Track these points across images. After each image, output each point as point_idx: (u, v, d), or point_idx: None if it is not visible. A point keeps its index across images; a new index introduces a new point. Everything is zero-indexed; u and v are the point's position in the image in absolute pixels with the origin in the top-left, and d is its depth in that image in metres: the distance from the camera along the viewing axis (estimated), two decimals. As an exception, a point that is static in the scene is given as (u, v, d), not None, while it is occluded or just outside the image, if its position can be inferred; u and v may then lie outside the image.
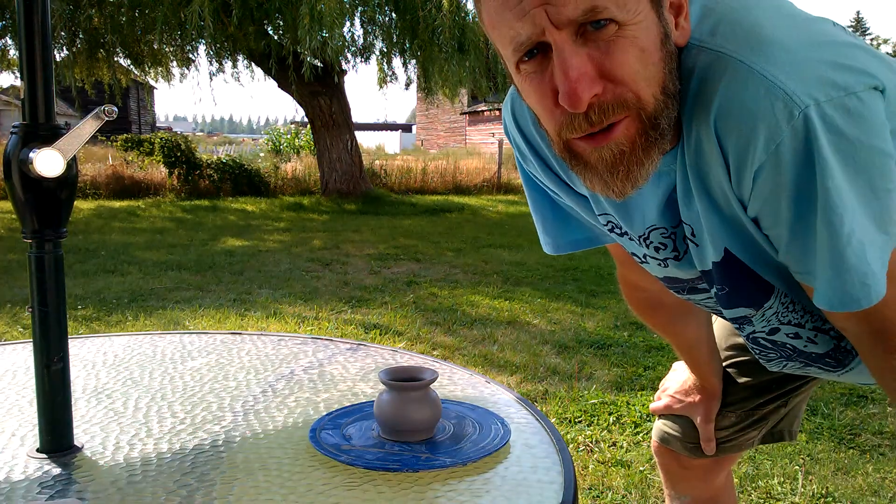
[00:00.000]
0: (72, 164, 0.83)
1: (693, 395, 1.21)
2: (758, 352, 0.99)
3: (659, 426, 1.28)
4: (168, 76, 11.56)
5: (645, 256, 0.92)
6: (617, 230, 0.91)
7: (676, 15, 0.71)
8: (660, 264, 0.91)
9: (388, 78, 10.12)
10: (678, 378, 1.25)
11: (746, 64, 0.67)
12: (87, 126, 0.81)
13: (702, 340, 1.18)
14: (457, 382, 1.14)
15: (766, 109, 0.65)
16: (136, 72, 12.15)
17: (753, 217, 0.74)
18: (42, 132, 0.83)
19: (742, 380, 1.18)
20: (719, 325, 1.23)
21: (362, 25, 9.85)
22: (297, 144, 19.01)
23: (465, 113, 27.95)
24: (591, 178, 0.73)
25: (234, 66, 10.16)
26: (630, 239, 0.91)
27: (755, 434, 1.21)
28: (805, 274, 0.74)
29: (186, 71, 11.18)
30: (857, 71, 0.67)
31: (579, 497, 1.01)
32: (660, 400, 1.27)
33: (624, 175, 0.71)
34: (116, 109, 0.82)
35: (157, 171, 11.89)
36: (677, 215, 0.82)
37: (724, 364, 1.20)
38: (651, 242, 0.88)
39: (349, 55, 9.97)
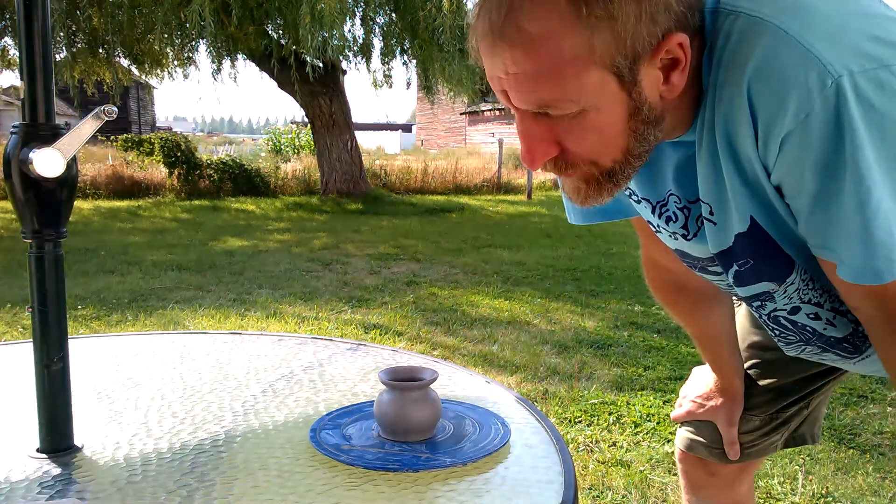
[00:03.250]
0: (72, 164, 0.83)
1: (715, 399, 1.19)
2: (777, 332, 0.98)
3: (683, 434, 1.25)
4: (171, 75, 11.56)
5: (658, 227, 0.92)
6: (634, 197, 0.91)
7: (670, 69, 0.71)
8: (671, 236, 0.91)
9: (386, 80, 10.11)
10: (698, 383, 1.24)
11: (783, 29, 0.67)
12: (87, 126, 0.81)
13: (724, 333, 1.16)
14: (457, 382, 1.14)
15: (800, 77, 0.65)
16: (136, 72, 12.15)
17: (776, 185, 0.74)
18: (42, 132, 0.83)
19: (764, 382, 1.17)
20: (739, 324, 1.22)
21: (362, 25, 9.85)
22: (297, 144, 19.02)
23: (465, 113, 27.95)
24: (561, 188, 0.81)
25: (234, 66, 10.15)
26: (645, 207, 0.91)
27: (778, 438, 1.20)
28: (823, 248, 0.74)
29: (187, 71, 11.18)
30: (893, 45, 0.67)
31: (579, 497, 1.01)
32: (681, 407, 1.25)
33: (583, 199, 0.78)
34: (116, 109, 0.82)
35: (157, 171, 11.89)
36: (694, 188, 0.81)
37: (745, 363, 1.19)
38: (667, 210, 0.88)
39: (349, 55, 9.97)
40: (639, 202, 0.92)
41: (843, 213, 0.69)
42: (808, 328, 0.93)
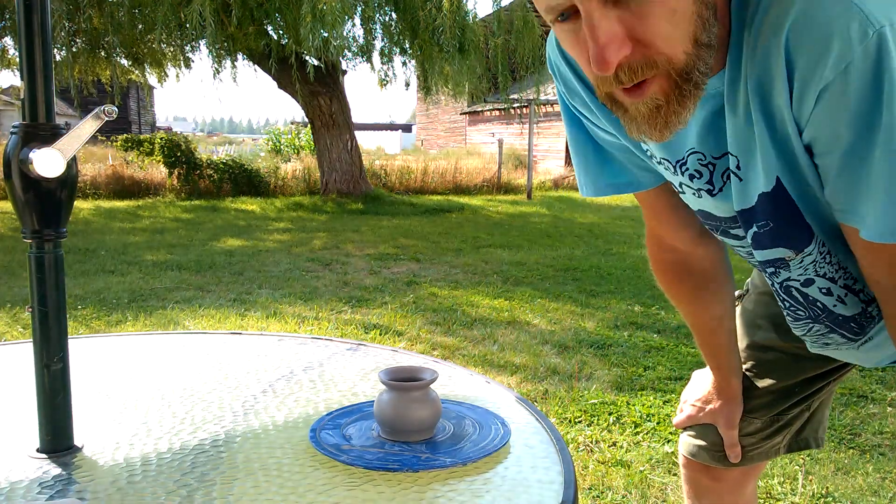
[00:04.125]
0: (72, 164, 0.83)
1: (714, 402, 1.19)
2: (787, 305, 0.97)
3: (685, 440, 1.24)
4: (174, 75, 11.57)
5: (681, 185, 0.90)
6: (655, 158, 0.90)
7: None
8: (694, 194, 0.89)
9: (382, 82, 10.12)
10: (697, 387, 1.23)
11: None
12: (87, 126, 0.81)
13: (725, 323, 1.15)
14: (457, 382, 1.14)
15: (842, 28, 0.64)
16: (136, 72, 12.15)
17: (808, 143, 0.73)
18: (42, 132, 0.83)
19: (763, 383, 1.16)
20: (737, 323, 1.21)
21: (363, 25, 9.85)
22: (297, 144, 19.02)
23: (465, 113, 27.96)
24: (629, 125, 0.74)
25: (234, 66, 10.15)
26: (665, 168, 0.89)
27: (780, 440, 1.19)
28: (849, 212, 0.73)
29: (187, 71, 11.19)
30: None
31: (579, 497, 1.01)
32: (682, 412, 1.25)
33: (662, 125, 0.72)
34: (116, 109, 0.82)
35: (157, 171, 11.89)
36: (720, 143, 0.80)
37: (744, 364, 1.18)
38: (687, 169, 0.86)
39: (349, 55, 9.97)
40: (660, 163, 0.90)
41: (873, 169, 0.68)
42: (818, 303, 0.92)
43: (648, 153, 0.91)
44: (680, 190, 0.93)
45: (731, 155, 0.80)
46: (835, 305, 0.91)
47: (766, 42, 0.69)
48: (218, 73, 9.90)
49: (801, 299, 0.94)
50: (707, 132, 0.81)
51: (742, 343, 1.20)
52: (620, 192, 1.00)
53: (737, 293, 1.22)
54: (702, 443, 1.21)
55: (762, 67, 0.71)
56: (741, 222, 0.87)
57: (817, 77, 0.67)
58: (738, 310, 1.22)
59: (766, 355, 1.16)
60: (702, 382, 1.23)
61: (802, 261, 0.87)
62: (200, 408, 1.02)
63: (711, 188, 0.86)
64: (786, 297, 0.96)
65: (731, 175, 0.81)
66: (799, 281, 0.91)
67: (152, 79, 12.26)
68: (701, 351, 1.21)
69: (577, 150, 0.99)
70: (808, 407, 1.18)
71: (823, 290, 0.90)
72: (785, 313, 1.01)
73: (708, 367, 1.22)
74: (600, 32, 0.66)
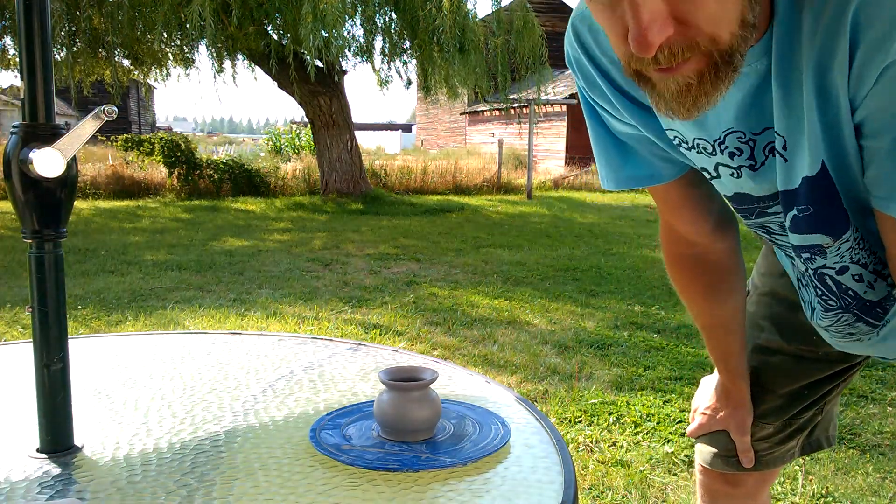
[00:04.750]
0: (72, 164, 0.83)
1: (724, 409, 1.18)
2: (819, 293, 0.95)
3: (700, 449, 1.24)
4: (176, 73, 11.58)
5: (717, 168, 0.87)
6: (685, 144, 0.87)
7: None
8: (733, 174, 0.86)
9: (382, 83, 10.12)
10: (706, 393, 1.23)
11: None
12: (87, 126, 0.81)
13: (737, 321, 1.14)
14: (457, 382, 1.14)
15: None
16: (136, 72, 12.16)
17: (858, 123, 0.71)
18: (42, 132, 0.83)
19: (772, 387, 1.16)
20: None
21: (363, 25, 9.85)
22: (297, 144, 19.03)
23: (465, 113, 27.95)
24: (656, 102, 0.71)
25: (234, 66, 10.16)
26: (699, 152, 0.87)
27: (794, 445, 1.18)
28: (888, 200, 0.71)
29: (187, 71, 11.19)
30: None
31: (579, 497, 1.01)
32: (693, 421, 1.24)
33: (690, 104, 0.69)
34: (116, 109, 0.82)
35: (157, 171, 11.90)
36: (760, 119, 0.78)
37: (753, 368, 1.17)
38: (726, 147, 0.84)
39: (349, 55, 9.98)
40: (690, 149, 0.87)
41: None
42: (850, 291, 0.91)
43: (676, 140, 0.88)
44: (714, 174, 0.89)
45: (778, 135, 0.77)
46: (865, 292, 0.90)
47: (829, 18, 0.67)
48: (218, 73, 9.91)
49: (835, 288, 0.92)
50: (746, 111, 0.78)
51: (748, 346, 1.19)
52: (641, 185, 0.98)
53: None
54: (719, 450, 1.20)
55: (823, 44, 0.68)
56: (782, 204, 0.84)
57: (881, 55, 0.64)
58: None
59: (772, 358, 1.15)
60: (710, 389, 1.22)
61: (839, 248, 0.85)
62: (200, 408, 1.02)
63: (753, 163, 0.83)
64: (819, 285, 0.94)
65: (777, 153, 0.79)
66: (834, 269, 0.89)
67: (153, 79, 12.26)
68: (710, 354, 1.19)
69: (598, 143, 0.97)
70: (820, 410, 1.17)
71: (856, 277, 0.89)
72: (813, 303, 0.98)
73: (716, 371, 1.22)
74: (644, 10, 0.62)
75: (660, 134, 0.90)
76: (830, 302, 0.95)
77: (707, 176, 0.91)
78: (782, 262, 1.11)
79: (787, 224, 0.86)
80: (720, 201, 1.04)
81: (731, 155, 0.84)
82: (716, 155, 0.86)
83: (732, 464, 1.19)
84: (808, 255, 0.90)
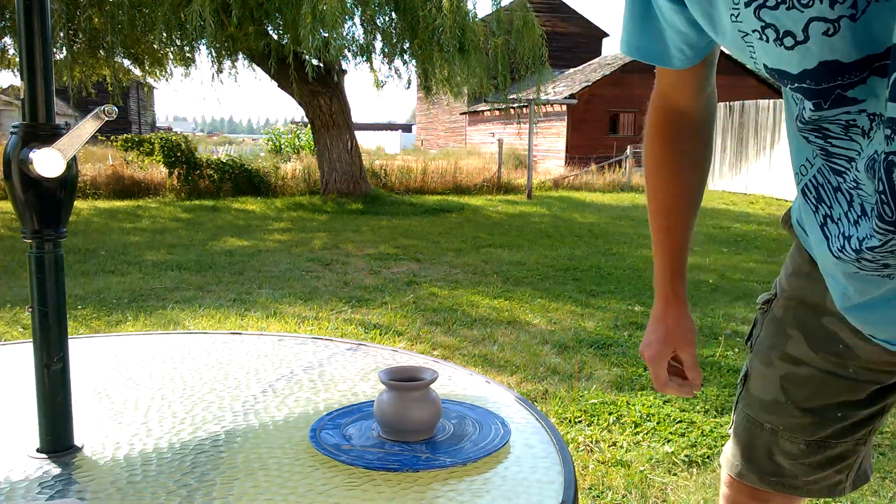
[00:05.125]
0: (72, 164, 0.83)
1: (667, 335, 1.16)
2: (883, 196, 0.77)
3: (728, 458, 1.17)
4: (174, 75, 11.60)
5: (808, 27, 0.73)
6: (771, 1, 0.74)
7: None
8: (829, 29, 0.72)
9: (379, 84, 10.12)
10: (649, 334, 1.21)
11: None
12: (87, 126, 0.81)
13: (690, 200, 1.12)
14: (457, 382, 1.14)
15: None
16: (136, 72, 12.16)
17: None
18: (42, 132, 0.83)
19: (798, 399, 1.10)
20: (767, 327, 1.15)
21: (362, 25, 9.86)
22: (297, 144, 19.04)
23: (465, 113, 27.96)
24: None
25: (234, 66, 10.16)
26: (789, 7, 0.73)
27: (842, 478, 1.13)
28: None
29: (187, 70, 11.19)
30: None
31: (579, 497, 1.01)
32: (657, 378, 1.19)
33: None
34: (116, 109, 0.82)
35: (157, 171, 11.90)
36: None
37: (778, 373, 1.12)
38: None
39: (349, 55, 9.98)
40: (779, 4, 0.74)
41: None
42: None
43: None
44: (801, 38, 0.75)
45: None
46: None
47: None
48: (218, 73, 9.92)
49: None
50: None
51: (774, 352, 1.13)
52: (645, 59, 0.97)
53: (764, 297, 1.18)
54: (751, 464, 1.14)
55: None
56: (891, 59, 0.71)
57: None
58: (767, 315, 1.17)
59: (800, 370, 1.10)
60: (651, 327, 1.20)
61: None
62: (200, 408, 1.02)
63: (854, 12, 0.70)
64: (885, 180, 0.76)
65: None
66: None
67: (152, 79, 12.26)
68: (654, 245, 1.18)
69: (633, 3, 0.95)
70: (864, 440, 1.12)
71: None
72: (862, 224, 0.83)
73: (655, 300, 1.20)
74: None
75: (708, 17, 0.80)
76: (889, 207, 0.77)
77: (783, 50, 0.77)
78: (813, 210, 0.94)
79: (888, 92, 0.71)
80: (713, 78, 1.04)
81: (832, 4, 0.71)
82: (813, 6, 0.72)
83: (770, 484, 1.13)
84: None
